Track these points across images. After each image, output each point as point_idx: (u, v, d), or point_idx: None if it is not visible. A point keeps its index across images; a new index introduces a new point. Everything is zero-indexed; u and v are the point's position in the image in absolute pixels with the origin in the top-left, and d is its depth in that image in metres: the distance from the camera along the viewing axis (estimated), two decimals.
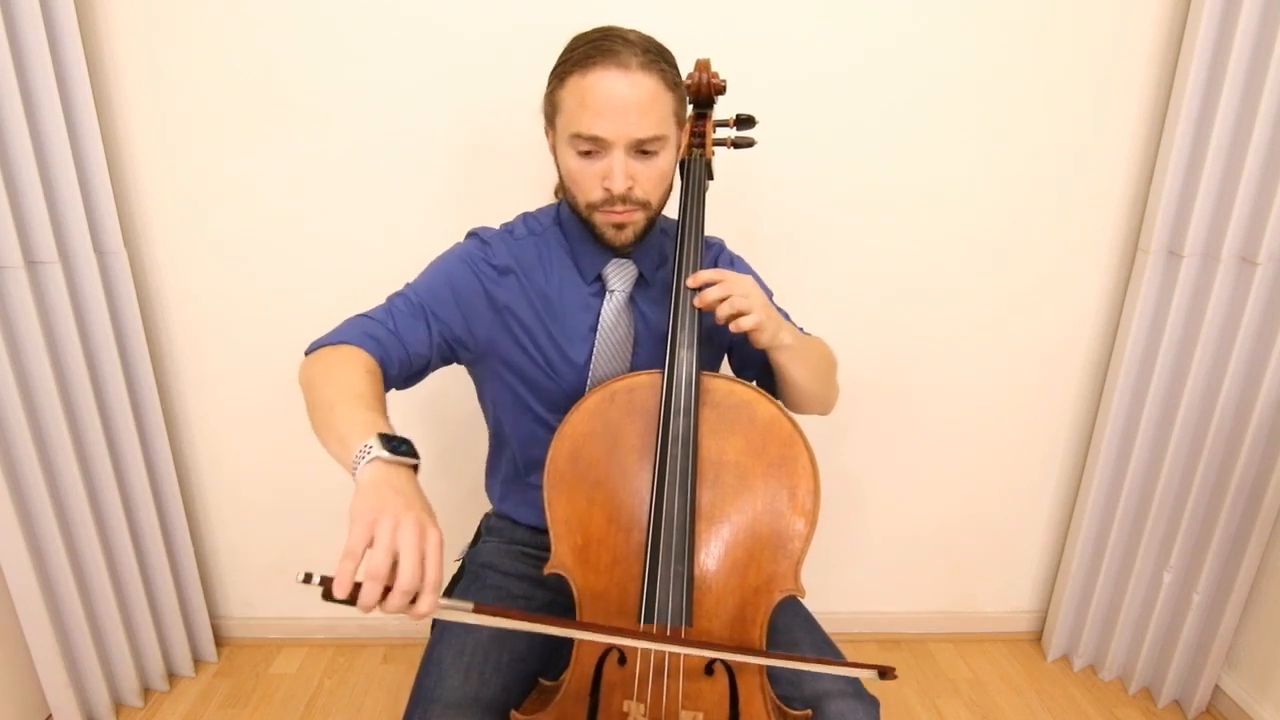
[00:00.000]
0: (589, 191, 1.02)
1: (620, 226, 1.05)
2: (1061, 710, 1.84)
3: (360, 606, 0.69)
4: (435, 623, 1.16)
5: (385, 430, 0.82)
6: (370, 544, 0.70)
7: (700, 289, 1.01)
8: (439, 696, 1.02)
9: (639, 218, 1.05)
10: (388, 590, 0.70)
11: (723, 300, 0.99)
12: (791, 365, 1.09)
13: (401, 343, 1.02)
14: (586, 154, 1.00)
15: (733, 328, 1.00)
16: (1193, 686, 1.80)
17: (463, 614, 0.76)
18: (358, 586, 0.69)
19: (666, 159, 1.03)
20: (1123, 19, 1.57)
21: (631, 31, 1.00)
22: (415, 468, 0.82)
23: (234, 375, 1.77)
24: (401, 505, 0.74)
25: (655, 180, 1.03)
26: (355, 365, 0.94)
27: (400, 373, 1.04)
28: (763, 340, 1.03)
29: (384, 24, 1.53)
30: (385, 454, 0.79)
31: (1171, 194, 1.60)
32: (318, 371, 0.94)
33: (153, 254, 1.67)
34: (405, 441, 0.82)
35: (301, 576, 0.69)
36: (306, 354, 1.00)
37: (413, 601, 0.71)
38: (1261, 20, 1.44)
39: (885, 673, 0.97)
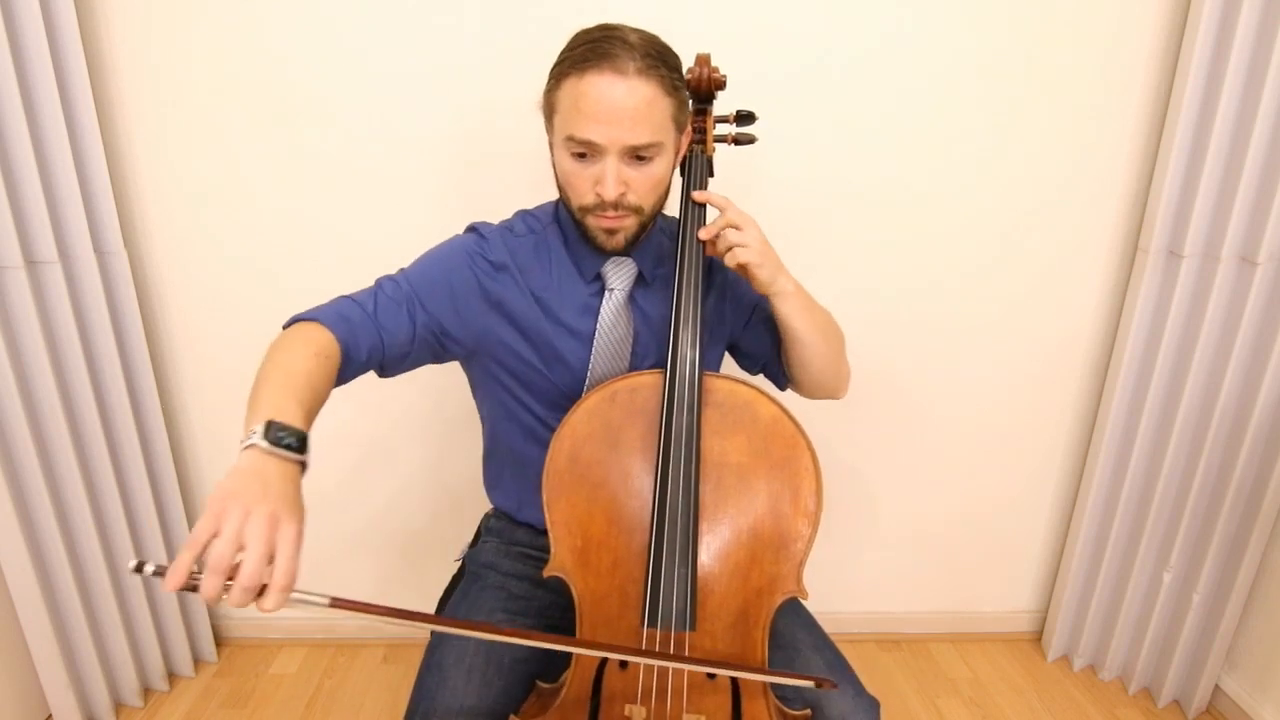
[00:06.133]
0: (582, 195, 1.02)
1: (611, 231, 1.04)
2: (1061, 710, 1.84)
3: (202, 598, 0.66)
4: None
5: (282, 419, 0.78)
6: (217, 534, 0.67)
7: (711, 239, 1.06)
8: (440, 701, 1.02)
9: (630, 223, 1.04)
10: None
11: (726, 228, 1.03)
12: (795, 316, 1.09)
13: (377, 328, 1.00)
14: (580, 156, 0.99)
15: (729, 260, 1.04)
16: (1193, 686, 1.80)
17: (318, 607, 0.70)
18: (198, 575, 0.66)
19: (662, 165, 1.02)
20: (1123, 19, 1.57)
21: (634, 31, 0.98)
22: (302, 465, 0.78)
23: (234, 375, 1.76)
24: (258, 496, 0.70)
25: (649, 186, 1.02)
26: (306, 345, 0.92)
27: (371, 358, 1.01)
28: (762, 278, 1.04)
29: (385, 23, 1.53)
30: (263, 443, 0.75)
31: (1171, 194, 1.60)
32: (273, 347, 0.93)
33: (153, 254, 1.67)
34: (296, 434, 0.78)
35: (133, 565, 0.67)
36: (284, 328, 0.98)
37: (260, 595, 0.68)
38: (1261, 20, 1.44)
39: (820, 683, 0.95)
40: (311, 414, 0.86)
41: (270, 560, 0.68)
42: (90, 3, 1.49)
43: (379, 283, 1.06)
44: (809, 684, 0.95)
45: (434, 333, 1.06)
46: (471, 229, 1.14)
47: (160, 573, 0.65)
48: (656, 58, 0.96)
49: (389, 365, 1.05)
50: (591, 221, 1.04)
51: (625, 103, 0.94)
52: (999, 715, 1.83)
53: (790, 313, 1.08)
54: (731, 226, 1.04)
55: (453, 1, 1.52)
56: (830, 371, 1.17)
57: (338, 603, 0.71)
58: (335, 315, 0.98)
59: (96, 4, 1.50)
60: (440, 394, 1.78)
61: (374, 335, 1.00)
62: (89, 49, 1.50)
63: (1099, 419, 1.82)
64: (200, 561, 0.66)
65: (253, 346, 1.71)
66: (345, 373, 0.99)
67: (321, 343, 0.94)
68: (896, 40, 1.58)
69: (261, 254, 1.68)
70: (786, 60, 1.58)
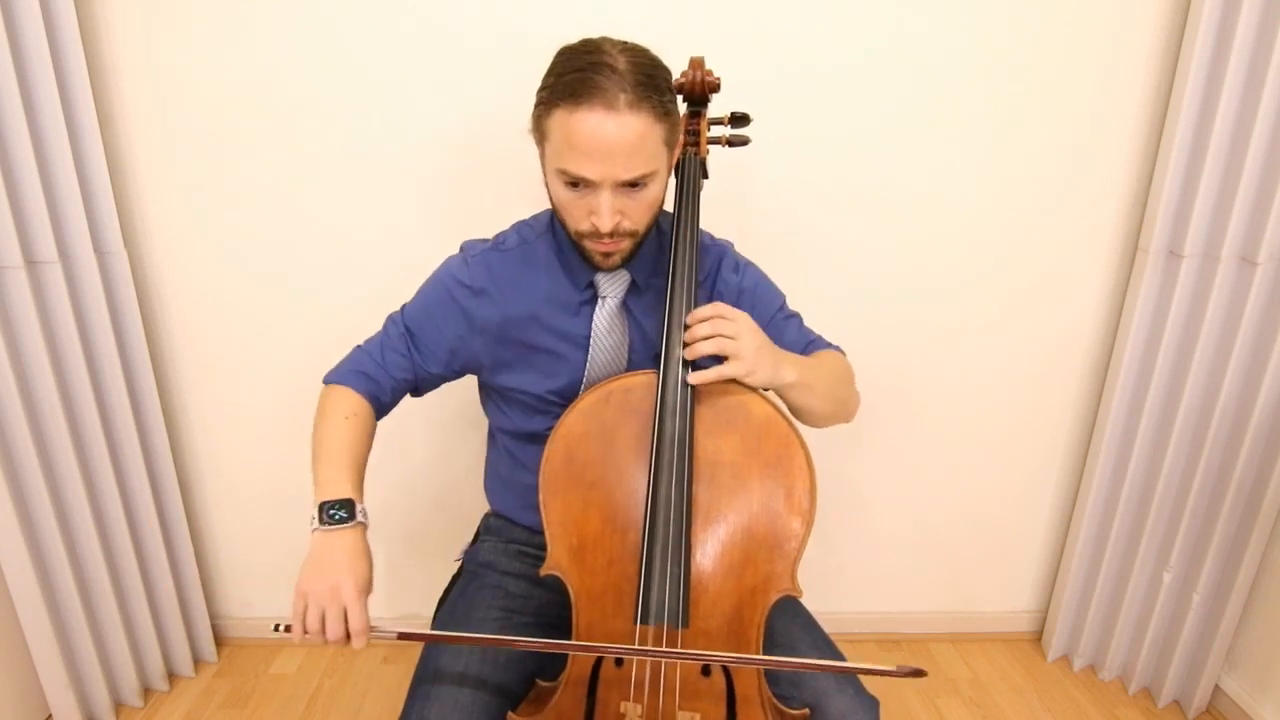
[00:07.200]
0: (578, 221, 1.01)
1: (608, 254, 1.04)
2: (1061, 710, 1.84)
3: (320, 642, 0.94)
4: (434, 626, 1.22)
5: (331, 495, 0.98)
6: (306, 608, 0.93)
7: (693, 328, 1.00)
8: (438, 695, 1.02)
9: (626, 245, 1.04)
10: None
11: (710, 338, 0.98)
12: (801, 399, 1.08)
13: (389, 374, 1.14)
14: (573, 185, 0.98)
15: (716, 373, 1.00)
16: (1193, 686, 1.79)
17: (390, 638, 0.95)
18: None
19: (656, 188, 1.01)
20: (1123, 19, 1.57)
21: (622, 54, 0.94)
22: (362, 526, 0.99)
23: (234, 375, 1.77)
24: (322, 574, 0.94)
25: (643, 210, 1.01)
26: (338, 411, 1.09)
27: (397, 396, 1.17)
28: (756, 382, 1.02)
29: (385, 25, 1.53)
30: (321, 526, 0.96)
31: (1171, 194, 1.59)
32: (317, 417, 1.10)
33: (153, 254, 1.68)
34: (344, 505, 0.98)
35: (280, 628, 0.96)
36: (324, 382, 1.15)
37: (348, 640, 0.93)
38: (1261, 20, 1.43)
39: (917, 673, 0.92)
40: (359, 471, 1.05)
41: (345, 615, 0.93)
42: (90, 3, 1.50)
43: (385, 325, 1.18)
44: (900, 676, 0.91)
45: (435, 367, 1.16)
46: (460, 250, 1.17)
47: (289, 632, 0.95)
48: (647, 85, 0.93)
49: (418, 391, 1.21)
50: (588, 245, 1.03)
51: (617, 139, 0.92)
52: (999, 715, 1.82)
53: (798, 399, 1.08)
54: (724, 336, 0.99)
55: (452, 6, 1.53)
56: (839, 417, 1.20)
57: (404, 636, 0.95)
58: (354, 374, 1.14)
59: (96, 4, 1.50)
60: (441, 394, 1.77)
61: (389, 380, 1.15)
62: (89, 49, 1.50)
63: (1099, 419, 1.82)
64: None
65: (253, 346, 1.74)
66: (382, 414, 1.17)
67: (350, 405, 1.10)
68: (896, 40, 1.57)
69: (261, 254, 1.68)
70: (783, 61, 1.58)
